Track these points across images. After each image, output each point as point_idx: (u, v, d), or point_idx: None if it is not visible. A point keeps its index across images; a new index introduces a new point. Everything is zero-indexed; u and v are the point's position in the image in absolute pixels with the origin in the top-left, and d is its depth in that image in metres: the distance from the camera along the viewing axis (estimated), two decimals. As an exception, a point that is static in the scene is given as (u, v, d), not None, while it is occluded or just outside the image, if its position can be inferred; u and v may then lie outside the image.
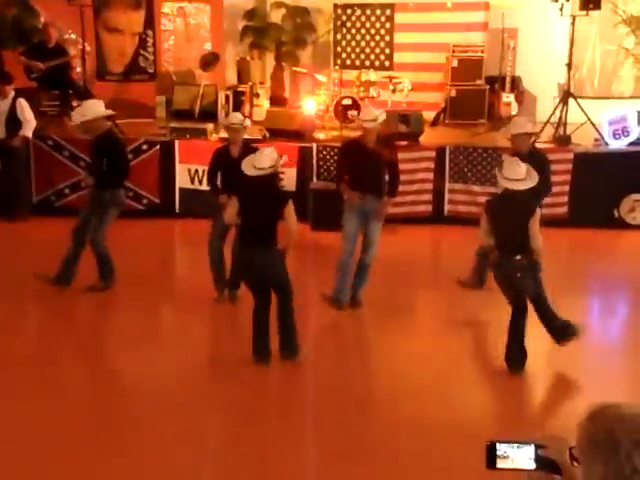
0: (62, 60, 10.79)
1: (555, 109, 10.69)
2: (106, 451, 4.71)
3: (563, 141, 10.22)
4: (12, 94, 9.54)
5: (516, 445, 2.21)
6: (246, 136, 7.59)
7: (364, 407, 5.38)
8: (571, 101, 10.51)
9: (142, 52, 12.51)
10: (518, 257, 5.74)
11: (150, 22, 12.51)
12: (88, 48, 10.96)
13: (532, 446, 2.20)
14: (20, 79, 10.25)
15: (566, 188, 9.88)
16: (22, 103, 9.52)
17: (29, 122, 9.56)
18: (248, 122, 7.48)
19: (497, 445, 2.22)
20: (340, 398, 5.46)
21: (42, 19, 11.04)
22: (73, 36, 11.29)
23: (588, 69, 12.61)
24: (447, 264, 9.03)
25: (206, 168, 7.61)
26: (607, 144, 10.27)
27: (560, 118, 10.48)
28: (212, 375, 5.81)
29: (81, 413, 5.13)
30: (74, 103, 11.02)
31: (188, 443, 4.78)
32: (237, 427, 5.14)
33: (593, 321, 7.56)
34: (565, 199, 9.85)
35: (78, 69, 10.98)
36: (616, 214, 9.88)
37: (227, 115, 8.97)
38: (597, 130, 10.37)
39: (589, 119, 10.41)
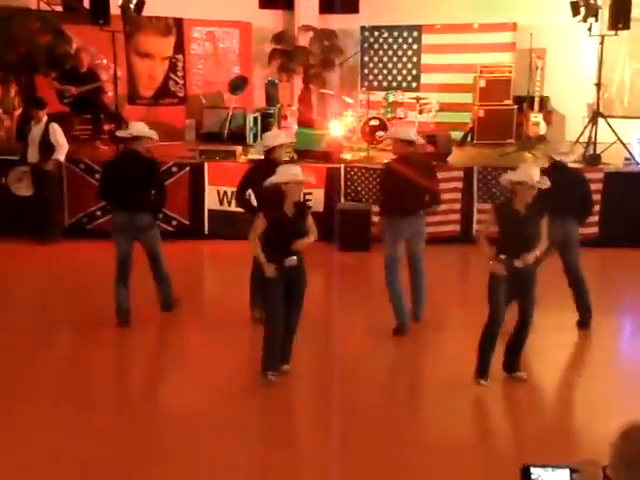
0: (94, 85, 11.00)
1: (584, 129, 10.64)
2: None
3: (593, 161, 10.16)
4: (45, 119, 9.71)
5: (550, 469, 2.19)
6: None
7: (393, 428, 5.34)
8: (600, 120, 10.46)
9: (172, 76, 12.69)
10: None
11: (180, 47, 12.71)
12: (119, 73, 11.11)
13: (567, 470, 2.18)
14: (53, 104, 10.43)
15: (596, 208, 9.78)
16: (55, 127, 9.68)
17: (62, 146, 9.71)
18: None
19: (531, 469, 2.20)
20: (370, 418, 5.44)
21: (74, 45, 11.23)
22: (105, 61, 11.50)
23: (617, 88, 12.52)
24: (477, 284, 8.96)
25: (235, 189, 7.51)
26: (638, 163, 10.19)
27: (589, 138, 10.43)
28: (244, 399, 5.80)
29: (112, 439, 5.13)
30: (105, 127, 11.25)
31: (221, 469, 4.78)
32: (268, 451, 5.12)
33: (625, 341, 7.47)
34: (596, 219, 9.75)
35: (110, 93, 11.15)
36: (648, 233, 9.76)
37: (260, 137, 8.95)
38: (627, 149, 10.29)
39: (619, 138, 10.34)
